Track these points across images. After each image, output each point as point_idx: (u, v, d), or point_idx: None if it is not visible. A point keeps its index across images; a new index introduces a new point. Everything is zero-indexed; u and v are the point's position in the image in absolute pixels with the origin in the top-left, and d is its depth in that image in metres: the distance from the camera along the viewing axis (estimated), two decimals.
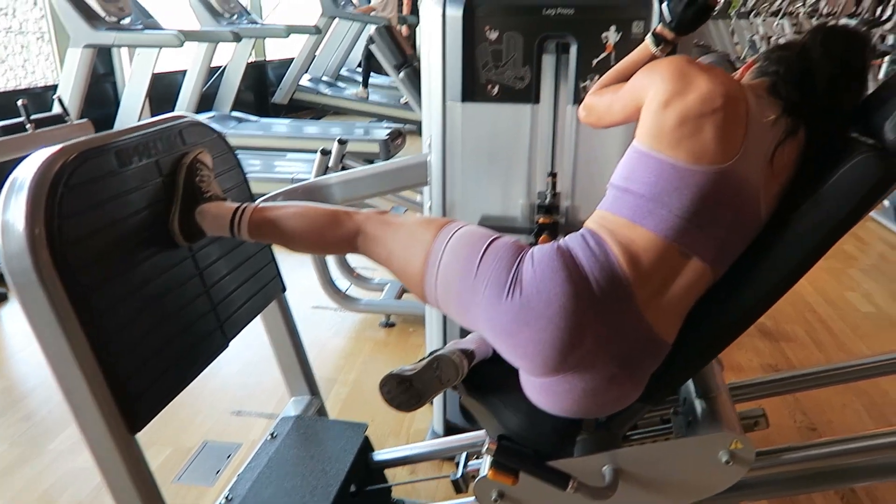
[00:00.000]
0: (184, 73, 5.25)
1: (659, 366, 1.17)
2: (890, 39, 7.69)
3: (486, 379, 1.28)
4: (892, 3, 7.86)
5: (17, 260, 1.07)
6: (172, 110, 5.31)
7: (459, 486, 1.36)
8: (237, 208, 1.35)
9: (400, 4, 8.11)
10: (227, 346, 1.47)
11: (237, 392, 2.42)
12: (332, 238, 1.32)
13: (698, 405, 1.29)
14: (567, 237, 1.19)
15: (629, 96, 1.24)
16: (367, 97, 7.10)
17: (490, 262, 1.16)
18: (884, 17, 7.69)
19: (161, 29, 4.39)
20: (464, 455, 1.49)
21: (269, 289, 1.70)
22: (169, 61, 5.21)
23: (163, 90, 5.34)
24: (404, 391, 1.26)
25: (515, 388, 1.20)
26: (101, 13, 3.99)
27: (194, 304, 1.39)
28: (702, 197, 1.10)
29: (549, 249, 1.15)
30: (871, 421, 2.23)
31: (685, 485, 1.20)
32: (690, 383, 1.35)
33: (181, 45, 4.00)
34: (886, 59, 6.83)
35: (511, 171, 1.83)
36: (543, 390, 1.17)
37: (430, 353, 1.30)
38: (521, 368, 1.18)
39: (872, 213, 4.30)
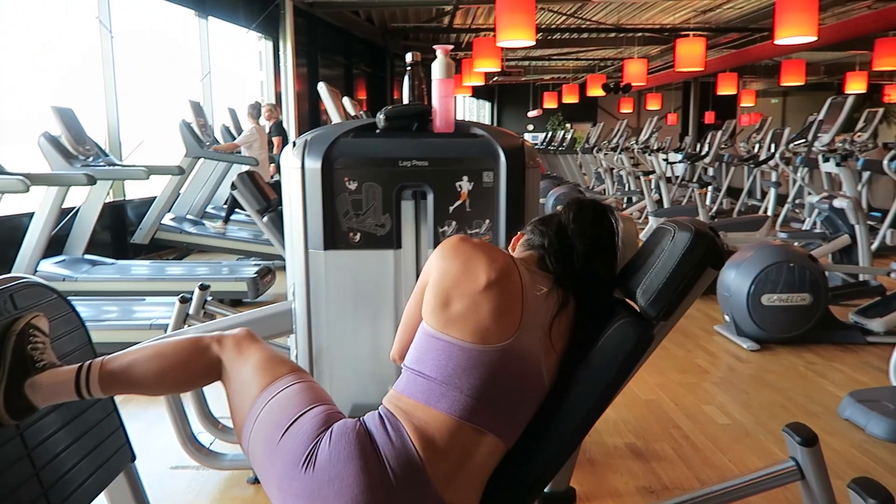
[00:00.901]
0: (31, 215, 4.94)
1: None
2: (710, 171, 8.77)
3: None
4: (708, 140, 9.03)
5: None
6: (16, 255, 4.92)
7: None
8: (80, 367, 1.25)
9: (270, 145, 8.25)
10: None
11: None
12: (196, 369, 1.27)
13: None
14: (367, 416, 1.19)
15: (418, 286, 1.31)
16: (225, 233, 7.01)
17: (294, 432, 1.14)
18: (703, 152, 8.80)
19: (5, 173, 4.15)
20: None
21: (116, 459, 1.54)
22: (14, 204, 4.90)
23: (6, 234, 4.98)
24: None
25: None
26: None
27: (18, 492, 1.22)
28: (490, 374, 1.16)
29: (349, 429, 1.14)
30: None
31: None
32: None
33: (27, 191, 3.79)
34: (709, 188, 7.75)
35: (378, 315, 1.83)
36: None
37: None
38: None
39: (717, 328, 4.68)
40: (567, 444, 1.20)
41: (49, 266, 5.15)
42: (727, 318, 4.48)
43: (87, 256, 5.68)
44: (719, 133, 8.56)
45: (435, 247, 1.80)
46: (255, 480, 2.72)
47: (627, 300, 1.29)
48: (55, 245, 5.35)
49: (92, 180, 4.57)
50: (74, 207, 5.70)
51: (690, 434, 3.10)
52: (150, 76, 8.28)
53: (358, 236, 1.79)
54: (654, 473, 2.73)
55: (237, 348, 1.28)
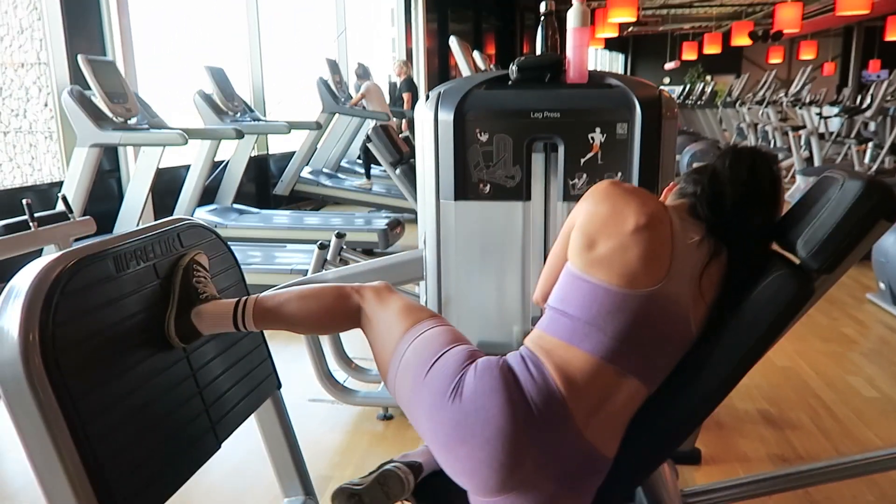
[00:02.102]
0: (188, 167, 5.39)
1: (603, 480, 1.17)
2: (871, 126, 7.95)
3: (437, 490, 1.29)
4: (871, 91, 8.16)
5: (9, 367, 1.07)
6: (176, 203, 5.41)
7: None
8: (238, 301, 1.38)
9: (399, 100, 8.44)
10: (219, 447, 1.45)
11: (229, 493, 2.35)
12: (339, 314, 1.36)
13: None
14: (509, 356, 1.21)
15: (564, 228, 1.30)
16: (371, 188, 7.24)
17: (439, 367, 1.18)
18: (864, 105, 7.98)
19: (166, 128, 4.55)
20: None
21: (264, 386, 1.69)
22: (174, 156, 5.36)
23: (166, 184, 5.47)
24: None
25: (464, 500, 1.20)
26: (109, 114, 4.14)
27: (187, 406, 1.38)
28: (635, 319, 1.14)
29: (493, 364, 1.17)
30: None
31: None
32: (642, 493, 1.34)
33: (185, 144, 4.13)
34: (870, 144, 7.03)
35: (504, 266, 1.86)
36: None
37: (379, 466, 1.30)
38: (463, 486, 1.18)
39: (869, 296, 4.31)
40: (711, 396, 1.17)
41: (203, 213, 5.63)
42: (882, 285, 4.11)
43: (236, 206, 6.15)
44: (885, 83, 7.70)
45: (565, 199, 1.80)
46: (385, 417, 2.89)
47: (785, 253, 1.21)
48: (208, 195, 5.83)
49: (240, 134, 4.91)
50: (224, 161, 6.16)
51: (831, 405, 2.91)
52: (291, 36, 8.65)
53: (488, 187, 1.81)
54: (787, 442, 2.61)
55: (377, 297, 1.35)
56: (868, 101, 8.02)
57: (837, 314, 4.09)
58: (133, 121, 4.30)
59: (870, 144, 7.08)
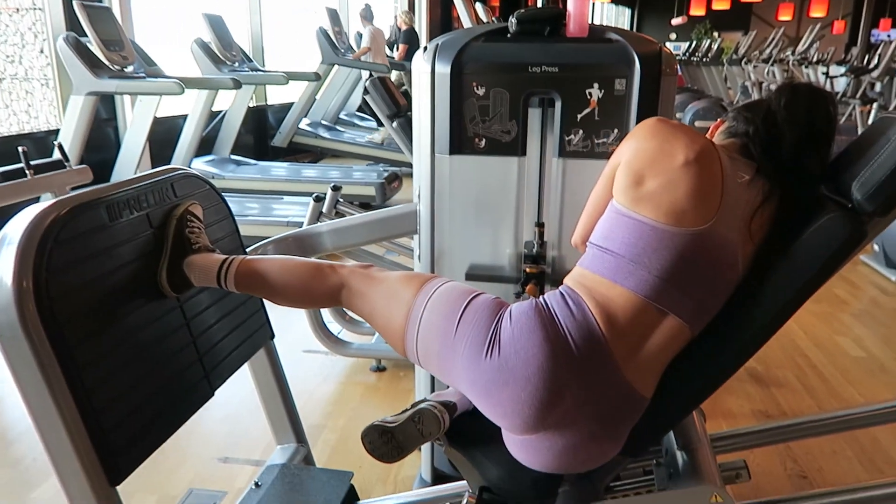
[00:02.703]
0: (185, 116, 5.34)
1: (638, 420, 1.18)
2: (877, 87, 7.85)
3: (469, 431, 1.29)
4: (878, 51, 8.03)
5: (3, 314, 1.09)
6: (173, 153, 5.38)
7: None
8: (224, 261, 1.38)
9: (395, 47, 8.31)
10: (212, 395, 1.48)
11: (223, 439, 2.41)
12: (316, 292, 1.35)
13: (679, 457, 1.30)
14: (547, 294, 1.21)
15: (607, 169, 1.27)
16: (383, 143, 7.08)
17: (469, 320, 1.17)
18: (871, 65, 7.86)
19: (163, 76, 4.49)
20: None
21: (258, 336, 1.71)
22: (171, 106, 5.31)
23: (164, 134, 5.43)
24: (386, 443, 1.26)
25: (497, 441, 1.21)
26: (105, 62, 4.08)
27: (181, 355, 1.40)
28: (681, 258, 1.12)
29: (527, 307, 1.17)
30: (861, 468, 2.22)
31: None
32: (672, 435, 1.36)
33: (182, 93, 4.09)
34: (874, 105, 6.96)
35: (499, 221, 1.87)
36: (524, 447, 1.17)
37: (413, 405, 1.31)
38: (501, 426, 1.19)
39: (863, 257, 4.34)
40: (756, 339, 1.15)
41: (200, 164, 5.60)
42: (876, 247, 4.13)
43: (233, 157, 6.11)
44: (893, 43, 7.57)
45: (560, 156, 1.79)
46: (378, 368, 2.94)
47: (834, 197, 1.19)
48: (205, 146, 5.78)
49: (238, 84, 4.85)
50: (222, 111, 6.10)
51: (818, 364, 2.96)
52: None
53: (483, 142, 1.80)
54: (772, 399, 2.66)
55: (365, 274, 1.32)
56: (875, 61, 7.90)
57: None
58: (130, 69, 4.24)
59: (874, 105, 7.00)
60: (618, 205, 1.19)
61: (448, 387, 1.45)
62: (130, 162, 4.58)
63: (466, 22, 3.13)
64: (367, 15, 7.84)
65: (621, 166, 1.20)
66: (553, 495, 1.24)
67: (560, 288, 1.21)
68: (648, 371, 1.16)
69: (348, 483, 1.73)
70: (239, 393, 2.10)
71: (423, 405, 1.30)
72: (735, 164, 1.19)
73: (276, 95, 7.90)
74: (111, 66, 4.11)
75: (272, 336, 1.77)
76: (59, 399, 1.12)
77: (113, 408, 1.20)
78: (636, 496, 1.33)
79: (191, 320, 1.45)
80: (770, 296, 1.14)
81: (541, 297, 1.20)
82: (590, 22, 1.85)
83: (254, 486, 1.71)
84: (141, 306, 1.31)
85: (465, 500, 1.19)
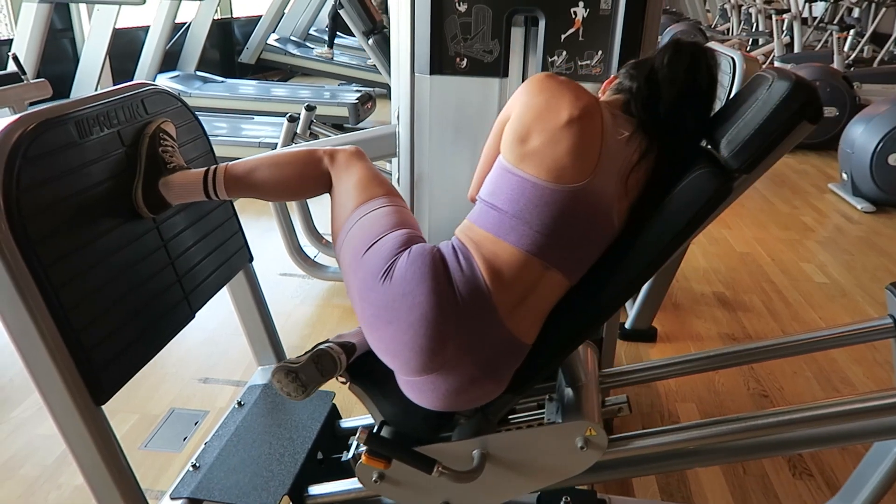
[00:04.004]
0: (147, 29, 5.09)
1: (522, 363, 1.23)
2: (855, 12, 7.78)
3: (369, 369, 1.34)
4: None
5: None
6: (135, 68, 5.16)
7: (350, 468, 1.42)
8: (207, 170, 1.36)
9: None
10: (193, 317, 1.47)
11: (204, 360, 2.42)
12: (310, 178, 1.36)
13: (567, 393, 1.37)
14: (441, 244, 1.23)
15: (498, 121, 1.28)
16: (332, 57, 6.96)
17: (377, 248, 1.21)
18: None
19: None
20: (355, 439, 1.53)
21: (236, 259, 1.70)
22: (131, 17, 5.04)
23: (124, 47, 5.19)
24: (291, 381, 1.31)
25: (393, 381, 1.27)
26: None
27: (159, 276, 1.39)
28: (561, 214, 1.15)
29: (425, 251, 1.19)
30: (819, 388, 2.34)
31: (546, 468, 1.29)
32: (561, 372, 1.42)
33: (143, 3, 3.88)
34: (851, 31, 6.92)
35: (479, 145, 1.83)
36: (410, 387, 1.23)
37: (315, 346, 1.35)
38: (388, 365, 1.24)
39: (831, 185, 4.42)
40: (627, 288, 1.22)
41: (165, 81, 5.39)
42: (844, 176, 4.20)
43: (199, 73, 5.89)
44: None
45: None
46: None
47: (713, 151, 1.23)
48: (169, 61, 5.55)
49: None
50: (186, 23, 5.82)
51: (783, 289, 3.06)
52: None
53: (465, 62, 1.76)
54: (738, 322, 2.76)
55: (346, 163, 1.35)
56: None
57: (799, 203, 4.20)
58: None
59: (851, 32, 6.96)
60: (504, 161, 1.21)
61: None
62: (90, 76, 4.38)
63: None
64: None
65: (510, 121, 1.21)
66: (446, 429, 1.32)
67: (452, 240, 1.24)
68: (531, 320, 1.21)
69: (330, 402, 1.76)
70: (218, 315, 2.10)
71: (322, 346, 1.35)
72: (616, 121, 1.21)
73: (242, 8, 7.56)
74: None
75: (251, 259, 1.75)
76: (38, 318, 1.10)
77: (93, 327, 1.19)
78: (520, 430, 1.40)
79: (168, 242, 1.43)
80: (640, 248, 1.19)
81: (437, 245, 1.23)
82: None
83: (236, 406, 1.73)
84: (116, 227, 1.28)
85: (357, 434, 1.25)
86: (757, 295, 3.00)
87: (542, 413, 1.49)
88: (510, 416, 1.52)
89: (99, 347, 1.19)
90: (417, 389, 1.22)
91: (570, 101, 1.16)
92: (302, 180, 1.37)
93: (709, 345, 2.56)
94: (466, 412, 1.30)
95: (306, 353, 1.35)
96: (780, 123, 1.09)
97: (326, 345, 1.36)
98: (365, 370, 1.36)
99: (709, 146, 1.24)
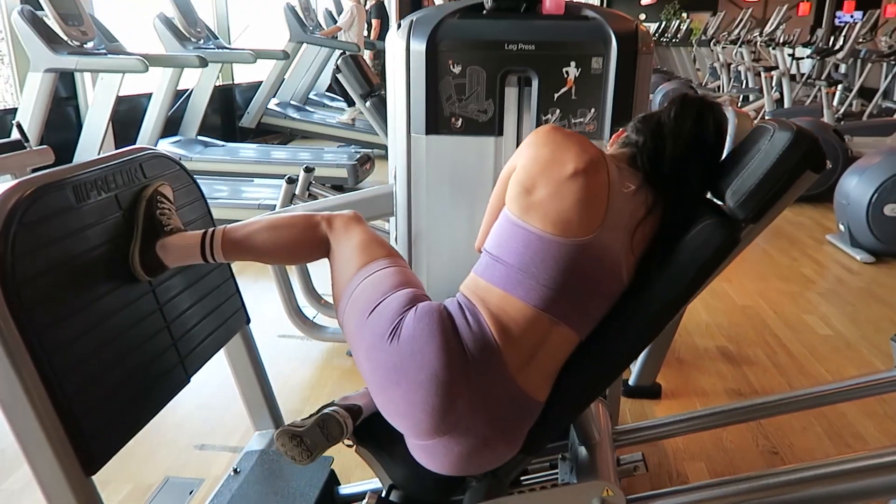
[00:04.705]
0: (149, 95, 5.20)
1: (534, 422, 1.20)
2: (842, 68, 7.98)
3: (377, 432, 1.32)
4: (843, 33, 8.16)
5: None
6: (137, 134, 5.25)
7: None
8: (205, 233, 1.36)
9: (368, 29, 8.14)
10: (188, 381, 1.45)
11: (199, 426, 2.37)
12: (308, 243, 1.35)
13: (580, 452, 1.34)
14: (447, 301, 1.22)
15: (503, 173, 1.29)
16: (354, 124, 6.99)
17: (382, 309, 1.19)
18: (836, 47, 7.99)
19: (125, 53, 4.36)
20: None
21: (233, 321, 1.68)
22: (134, 84, 5.16)
23: (127, 113, 5.28)
24: (296, 445, 1.29)
25: (401, 443, 1.24)
26: (64, 37, 3.94)
27: (154, 340, 1.37)
28: (568, 267, 1.14)
29: (432, 309, 1.18)
30: (830, 443, 2.28)
31: None
32: (573, 430, 1.39)
33: (146, 71, 3.97)
34: (839, 87, 7.08)
35: (476, 202, 1.85)
36: (422, 451, 1.20)
37: (320, 409, 1.32)
38: (398, 428, 1.21)
39: (829, 237, 4.43)
40: (638, 342, 1.20)
41: (166, 145, 5.48)
42: (842, 227, 4.22)
43: (200, 137, 5.98)
44: (858, 25, 7.69)
45: None
46: None
47: (717, 201, 1.23)
48: (171, 126, 5.64)
49: (204, 62, 4.72)
50: (188, 90, 5.95)
51: (787, 342, 3.02)
52: None
53: (460, 122, 1.78)
54: (744, 377, 2.71)
55: (344, 228, 1.34)
56: (840, 42, 8.02)
57: (797, 254, 4.20)
58: (90, 45, 4.10)
59: (839, 87, 7.12)
60: (509, 213, 1.21)
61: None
62: (93, 142, 4.44)
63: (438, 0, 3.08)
64: None
65: (515, 172, 1.22)
66: (457, 492, 1.29)
67: (457, 296, 1.23)
68: (541, 377, 1.19)
69: (329, 468, 1.72)
70: (214, 379, 2.06)
71: (327, 410, 1.33)
72: (622, 174, 1.22)
73: (243, 74, 7.74)
74: (70, 42, 3.96)
75: (248, 321, 1.74)
76: (29, 384, 1.08)
77: (86, 394, 1.16)
78: (533, 492, 1.37)
79: (164, 305, 1.42)
80: (650, 302, 1.18)
81: (443, 302, 1.21)
82: None
83: (232, 473, 1.68)
84: (112, 290, 1.27)
85: (365, 500, 1.21)
86: (761, 348, 2.96)
87: (555, 473, 1.45)
88: (522, 478, 1.47)
89: (91, 415, 1.17)
90: (429, 453, 1.19)
91: (575, 154, 1.16)
92: (299, 245, 1.36)
93: (715, 400, 2.51)
94: (477, 475, 1.26)
95: (311, 416, 1.32)
96: (785, 172, 1.10)
97: (332, 408, 1.33)
98: (372, 433, 1.33)
99: (712, 198, 1.25)
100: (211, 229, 1.36)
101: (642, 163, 1.24)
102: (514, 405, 1.16)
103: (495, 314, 1.16)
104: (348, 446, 1.34)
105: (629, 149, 1.29)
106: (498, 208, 1.28)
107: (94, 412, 1.18)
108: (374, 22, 8.18)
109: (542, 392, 1.19)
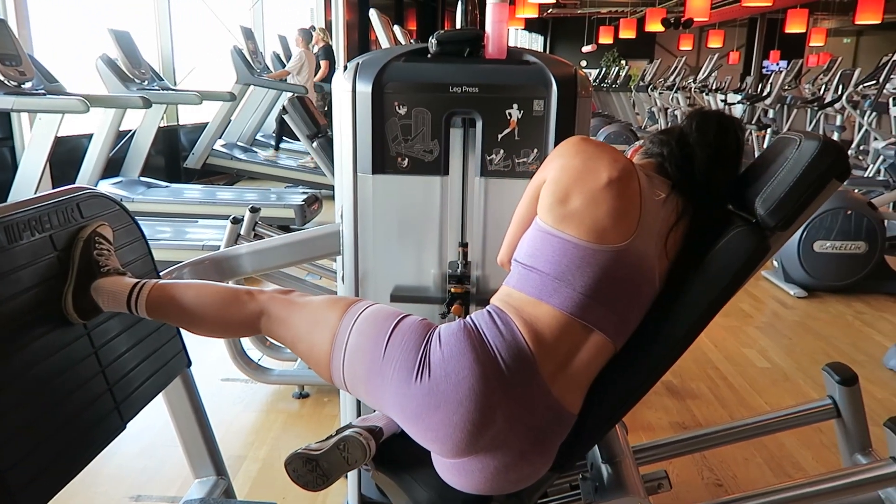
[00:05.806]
0: (90, 136, 5.09)
1: (566, 436, 1.19)
2: (770, 113, 8.42)
3: (397, 455, 1.27)
4: (770, 81, 8.63)
5: None
6: (77, 175, 5.10)
7: None
8: (135, 285, 1.31)
9: (316, 70, 8.20)
10: (124, 428, 1.39)
11: (137, 476, 2.27)
12: (234, 320, 1.29)
13: (604, 470, 1.33)
14: (475, 314, 1.21)
15: (530, 188, 1.30)
16: (277, 160, 7.07)
17: (397, 343, 1.16)
18: (764, 93, 8.43)
19: (65, 93, 4.27)
20: None
21: (173, 364, 1.63)
22: (75, 124, 5.04)
23: (67, 154, 5.15)
24: (311, 471, 1.22)
25: (425, 464, 1.20)
26: (0, 77, 3.84)
27: (88, 386, 1.32)
28: (605, 274, 1.16)
29: (456, 329, 1.17)
30: (771, 473, 2.33)
31: None
32: (596, 449, 1.38)
33: (87, 111, 3.89)
34: (768, 130, 7.45)
35: (423, 241, 1.86)
36: (456, 470, 1.16)
37: (338, 431, 1.28)
38: (433, 451, 1.17)
39: (764, 273, 4.61)
40: (674, 350, 1.20)
41: (107, 186, 5.34)
42: (775, 263, 4.40)
43: (143, 178, 5.86)
44: (783, 73, 8.16)
45: (482, 175, 1.81)
46: (301, 395, 2.86)
47: (741, 213, 1.27)
48: (113, 167, 5.52)
49: (147, 103, 4.65)
50: (131, 130, 5.85)
51: (728, 375, 3.10)
52: (202, 2, 8.25)
53: (406, 161, 1.80)
54: (688, 410, 2.77)
55: (286, 300, 1.27)
56: (768, 89, 8.48)
57: None
58: (28, 85, 4.00)
59: (768, 130, 7.50)
60: (542, 223, 1.22)
61: (375, 410, 1.42)
62: (29, 183, 4.30)
63: (385, 43, 3.14)
64: (306, 37, 7.74)
65: (547, 184, 1.23)
66: None
67: (488, 308, 1.22)
68: (575, 387, 1.19)
69: None
70: (154, 425, 1.99)
71: (348, 432, 1.27)
72: (652, 183, 1.26)
73: (188, 116, 7.66)
74: (7, 82, 3.87)
75: (189, 364, 1.69)
76: None
77: (13, 444, 1.10)
78: None
79: (99, 348, 1.37)
80: (684, 309, 1.20)
81: (468, 317, 1.21)
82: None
83: None
84: (44, 334, 1.22)
85: None
86: (703, 382, 3.03)
87: (577, 494, 1.42)
88: (541, 501, 1.44)
89: (17, 466, 1.11)
90: (462, 472, 1.15)
91: (608, 163, 1.18)
92: (225, 323, 1.30)
93: (660, 434, 2.55)
94: (501, 497, 1.21)
95: (328, 438, 1.25)
96: (813, 181, 1.14)
97: (352, 430, 1.26)
98: (393, 456, 1.27)
99: (736, 209, 1.28)
100: (142, 282, 1.31)
101: (673, 171, 1.28)
102: (550, 416, 1.15)
103: (529, 322, 1.15)
104: (366, 470, 1.28)
105: (654, 159, 1.33)
106: (525, 220, 1.28)
107: (22, 462, 1.12)
108: (322, 63, 8.24)
109: (575, 404, 1.18)
